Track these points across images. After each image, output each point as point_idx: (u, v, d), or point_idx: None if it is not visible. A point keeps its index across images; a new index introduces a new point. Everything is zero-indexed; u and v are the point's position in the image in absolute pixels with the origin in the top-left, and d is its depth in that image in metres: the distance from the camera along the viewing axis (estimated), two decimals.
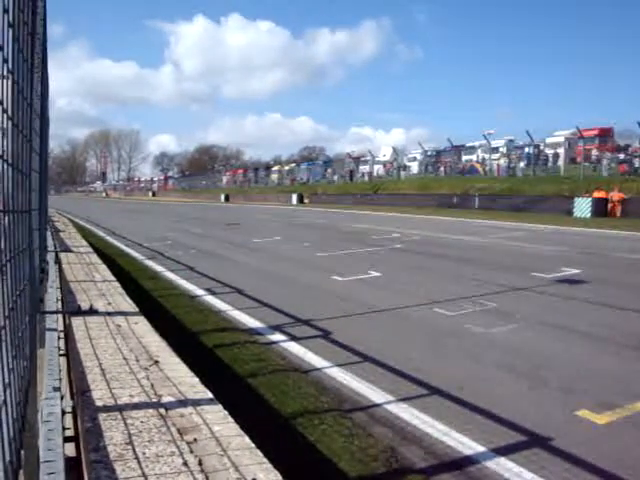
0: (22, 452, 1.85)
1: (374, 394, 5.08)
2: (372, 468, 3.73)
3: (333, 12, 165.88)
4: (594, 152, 33.19)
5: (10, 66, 1.72)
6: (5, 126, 1.67)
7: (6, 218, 1.70)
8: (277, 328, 7.30)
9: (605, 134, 36.70)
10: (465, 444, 4.09)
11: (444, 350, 6.36)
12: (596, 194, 25.12)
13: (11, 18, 1.63)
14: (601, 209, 24.38)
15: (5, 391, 1.41)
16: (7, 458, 1.34)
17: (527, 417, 4.49)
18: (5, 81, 1.65)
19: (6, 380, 1.45)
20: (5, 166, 1.67)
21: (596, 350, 6.23)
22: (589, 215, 24.33)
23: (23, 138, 2.39)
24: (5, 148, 1.70)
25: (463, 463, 3.86)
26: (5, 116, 1.59)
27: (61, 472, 2.22)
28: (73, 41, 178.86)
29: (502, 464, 3.79)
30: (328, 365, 5.85)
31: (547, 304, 8.39)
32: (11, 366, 1.63)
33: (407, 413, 4.65)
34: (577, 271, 10.81)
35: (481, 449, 4.01)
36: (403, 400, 4.91)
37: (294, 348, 6.44)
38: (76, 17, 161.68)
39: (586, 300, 8.52)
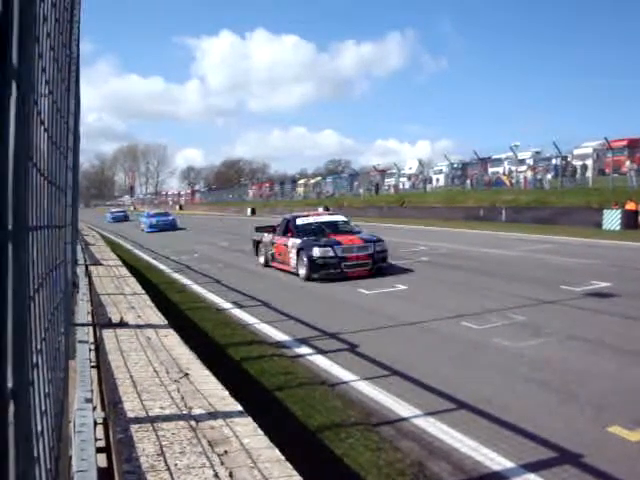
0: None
1: (401, 408, 5.06)
2: None
3: (358, 24, 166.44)
4: (627, 164, 32.60)
5: (50, 86, 1.79)
6: (45, 144, 1.73)
7: (46, 233, 1.76)
8: (304, 341, 7.32)
9: (635, 144, 36.08)
10: (494, 459, 4.05)
11: (471, 364, 6.31)
12: (627, 206, 24.69)
13: (52, 42, 1.69)
14: (631, 221, 23.92)
15: (45, 401, 1.45)
16: (47, 466, 1.38)
17: (557, 433, 4.43)
18: (45, 100, 1.71)
19: (46, 390, 1.49)
20: (45, 182, 1.73)
21: (628, 365, 6.11)
22: (618, 227, 23.89)
23: (60, 155, 2.47)
24: (44, 165, 1.76)
25: (492, 479, 3.82)
26: (46, 135, 1.65)
27: None
28: (101, 58, 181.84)
29: None
30: (355, 378, 5.85)
31: (577, 318, 8.27)
32: (49, 377, 1.68)
33: (435, 427, 4.62)
34: (607, 284, 10.63)
35: (510, 465, 3.96)
36: (431, 414, 4.88)
37: (321, 361, 6.45)
38: (104, 34, 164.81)
39: (617, 314, 8.37)
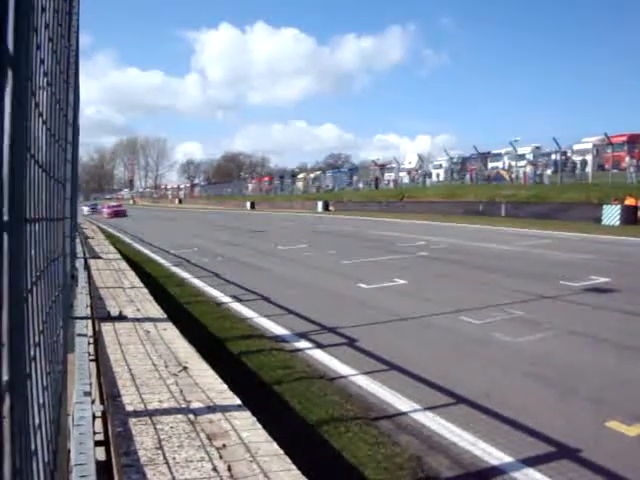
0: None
1: (400, 402, 5.06)
2: (398, 477, 3.72)
3: (358, 18, 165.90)
4: (627, 159, 32.58)
5: (49, 78, 1.77)
6: (43, 136, 1.72)
7: (44, 225, 1.75)
8: (303, 335, 7.32)
9: (635, 140, 36.03)
10: (492, 454, 4.05)
11: (471, 359, 6.32)
12: (627, 201, 24.69)
13: (51, 33, 1.68)
14: (630, 217, 23.92)
15: (43, 394, 1.44)
16: (45, 460, 1.38)
17: (556, 427, 4.43)
18: (43, 92, 1.70)
19: (44, 383, 1.48)
20: (43, 175, 1.72)
21: (626, 360, 6.12)
22: (618, 223, 23.90)
23: (59, 148, 2.45)
24: (43, 157, 1.75)
25: (490, 473, 3.83)
26: (45, 127, 1.64)
27: (93, 475, 2.26)
28: (100, 50, 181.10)
29: (530, 475, 3.75)
30: (354, 373, 5.85)
31: (576, 313, 8.27)
32: (48, 370, 1.67)
33: (433, 422, 4.63)
34: (606, 279, 10.64)
35: (508, 459, 3.97)
36: (429, 409, 4.89)
37: (319, 355, 6.45)
38: (103, 27, 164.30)
39: (616, 309, 8.38)
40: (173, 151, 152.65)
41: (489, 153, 44.59)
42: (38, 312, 1.41)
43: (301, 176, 70.36)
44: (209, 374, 3.67)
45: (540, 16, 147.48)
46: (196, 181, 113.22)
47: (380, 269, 13.20)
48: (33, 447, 1.11)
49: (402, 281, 11.28)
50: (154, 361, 3.94)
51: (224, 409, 3.01)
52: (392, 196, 43.66)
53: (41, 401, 1.37)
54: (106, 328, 4.94)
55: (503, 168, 42.37)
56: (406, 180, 50.97)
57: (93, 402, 3.13)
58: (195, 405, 3.06)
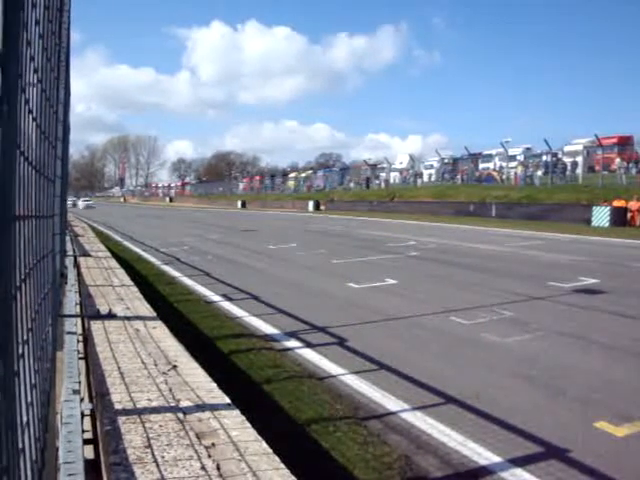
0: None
1: (389, 402, 5.07)
2: (386, 477, 3.73)
3: (350, 17, 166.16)
4: (617, 161, 32.83)
5: (39, 75, 1.76)
6: (33, 133, 1.71)
7: (33, 223, 1.74)
8: (292, 335, 7.32)
9: (625, 142, 36.27)
10: (481, 454, 4.07)
11: (460, 359, 6.34)
12: (616, 203, 24.85)
13: (41, 29, 1.67)
14: (620, 218, 24.09)
15: (31, 392, 1.44)
16: (33, 457, 1.37)
17: (544, 428, 4.46)
18: (34, 89, 1.69)
19: (32, 381, 1.48)
20: (32, 172, 1.71)
21: (614, 361, 6.17)
22: (607, 224, 24.06)
23: (49, 145, 2.44)
24: (32, 154, 1.74)
25: (479, 473, 3.84)
26: (35, 124, 1.63)
27: (81, 473, 2.25)
28: (91, 47, 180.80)
29: (518, 475, 3.77)
30: (343, 372, 5.85)
31: (564, 314, 8.32)
32: (36, 368, 1.67)
33: (422, 422, 4.64)
34: (595, 281, 10.71)
35: (497, 459, 3.98)
36: (418, 408, 4.90)
37: (309, 355, 6.45)
38: (94, 24, 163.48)
39: (604, 310, 8.44)
40: (164, 149, 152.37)
41: (480, 154, 44.80)
42: (26, 310, 1.40)
43: (292, 175, 70.39)
44: (198, 373, 3.66)
45: (531, 16, 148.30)
46: (187, 180, 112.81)
47: (370, 269, 13.21)
48: (21, 445, 1.10)
49: (392, 281, 11.30)
50: (143, 359, 3.93)
51: (213, 408, 3.00)
52: (383, 196, 43.72)
53: (29, 399, 1.37)
54: (96, 326, 4.91)
55: (494, 169, 42.56)
56: (397, 180, 51.08)
57: (82, 400, 3.12)
58: (184, 404, 3.06)
